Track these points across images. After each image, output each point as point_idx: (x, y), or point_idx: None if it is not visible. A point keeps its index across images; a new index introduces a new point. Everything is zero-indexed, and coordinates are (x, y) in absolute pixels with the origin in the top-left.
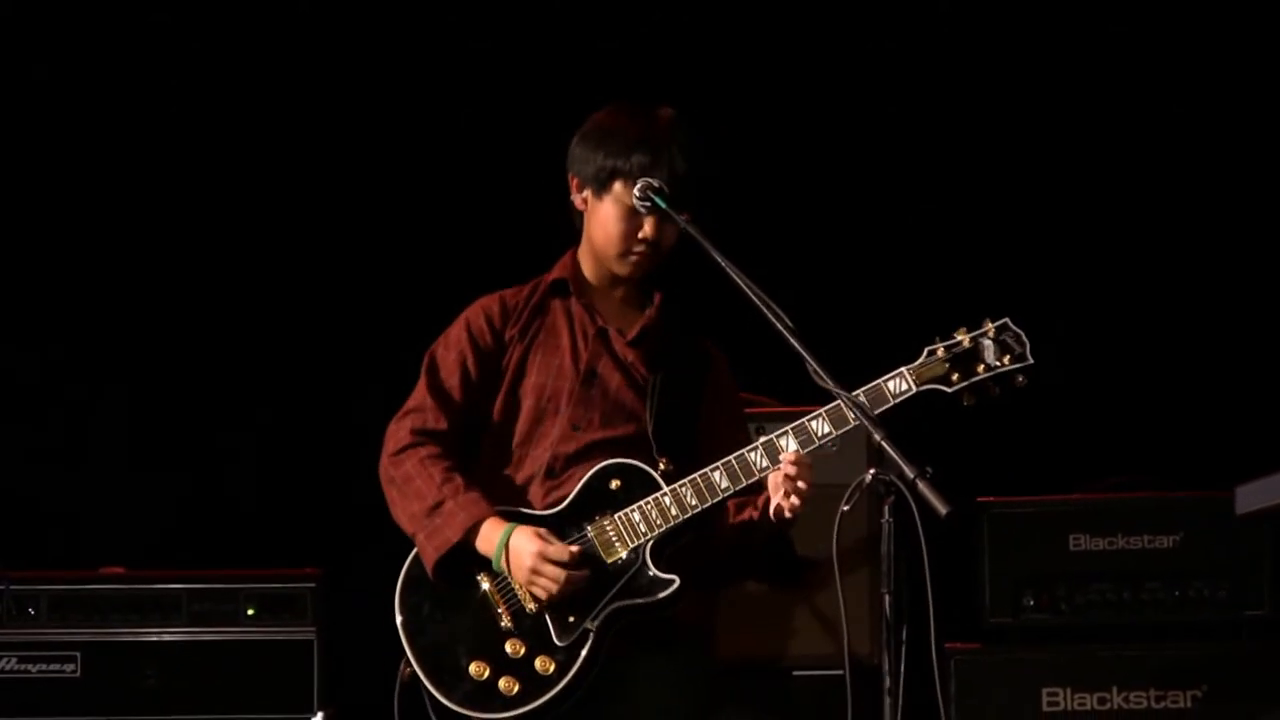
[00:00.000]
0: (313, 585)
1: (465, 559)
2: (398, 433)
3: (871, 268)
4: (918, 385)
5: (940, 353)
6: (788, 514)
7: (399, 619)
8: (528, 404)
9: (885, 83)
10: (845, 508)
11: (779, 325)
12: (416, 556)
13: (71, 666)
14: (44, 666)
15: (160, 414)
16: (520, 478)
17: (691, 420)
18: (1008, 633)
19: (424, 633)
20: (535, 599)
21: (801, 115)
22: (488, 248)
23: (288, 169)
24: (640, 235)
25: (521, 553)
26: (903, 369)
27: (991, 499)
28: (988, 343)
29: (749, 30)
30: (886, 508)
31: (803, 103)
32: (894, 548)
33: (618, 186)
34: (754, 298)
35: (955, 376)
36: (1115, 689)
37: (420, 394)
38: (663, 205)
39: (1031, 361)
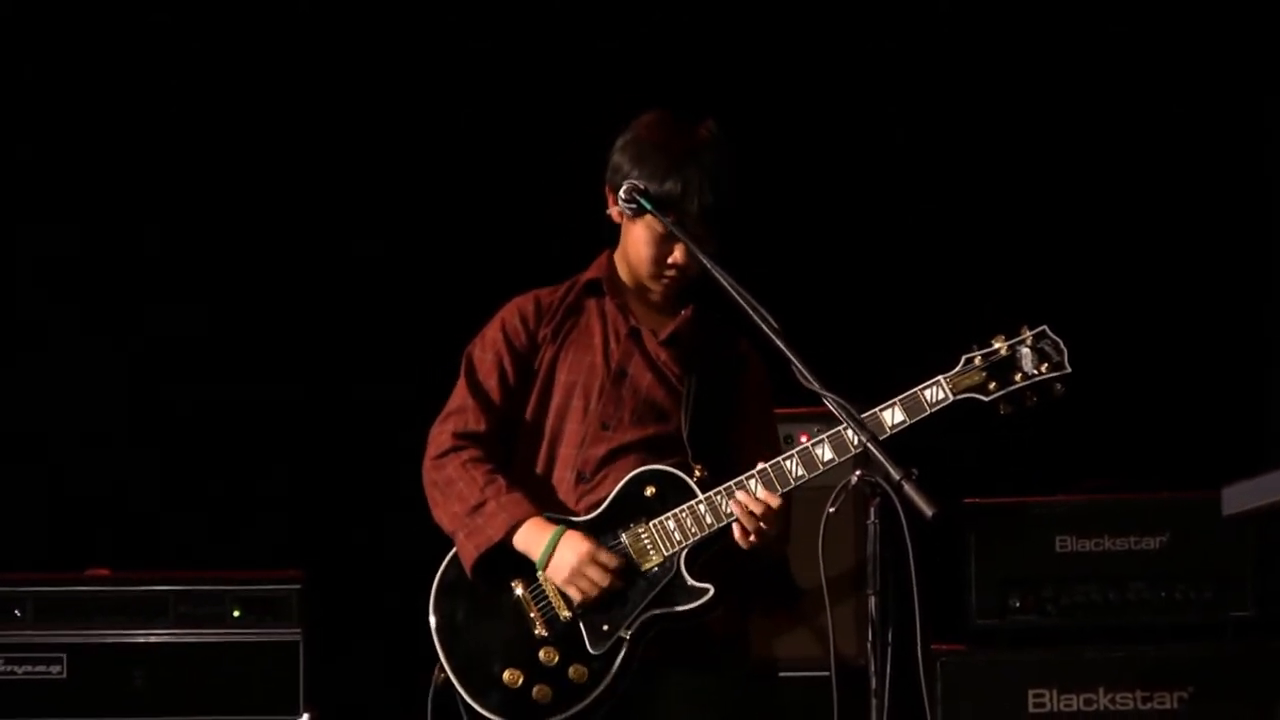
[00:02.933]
0: (298, 587)
1: (502, 562)
2: (439, 436)
3: (863, 270)
4: (954, 394)
5: (978, 361)
6: (743, 545)
7: (433, 623)
8: (558, 402)
9: (890, 84)
10: (831, 509)
11: (765, 328)
12: (452, 560)
13: (58, 668)
14: (30, 668)
15: (148, 414)
16: (553, 479)
17: (724, 423)
18: (994, 634)
19: (458, 638)
20: (569, 603)
21: (828, 125)
22: (498, 247)
23: (319, 163)
24: (670, 260)
25: (572, 550)
26: (940, 377)
27: (977, 500)
28: (1025, 350)
29: (767, 34)
30: (872, 509)
31: (826, 110)
32: (880, 549)
33: (649, 215)
34: (740, 300)
35: (992, 385)
36: (1102, 690)
37: (460, 395)
38: (649, 208)
39: (1069, 370)
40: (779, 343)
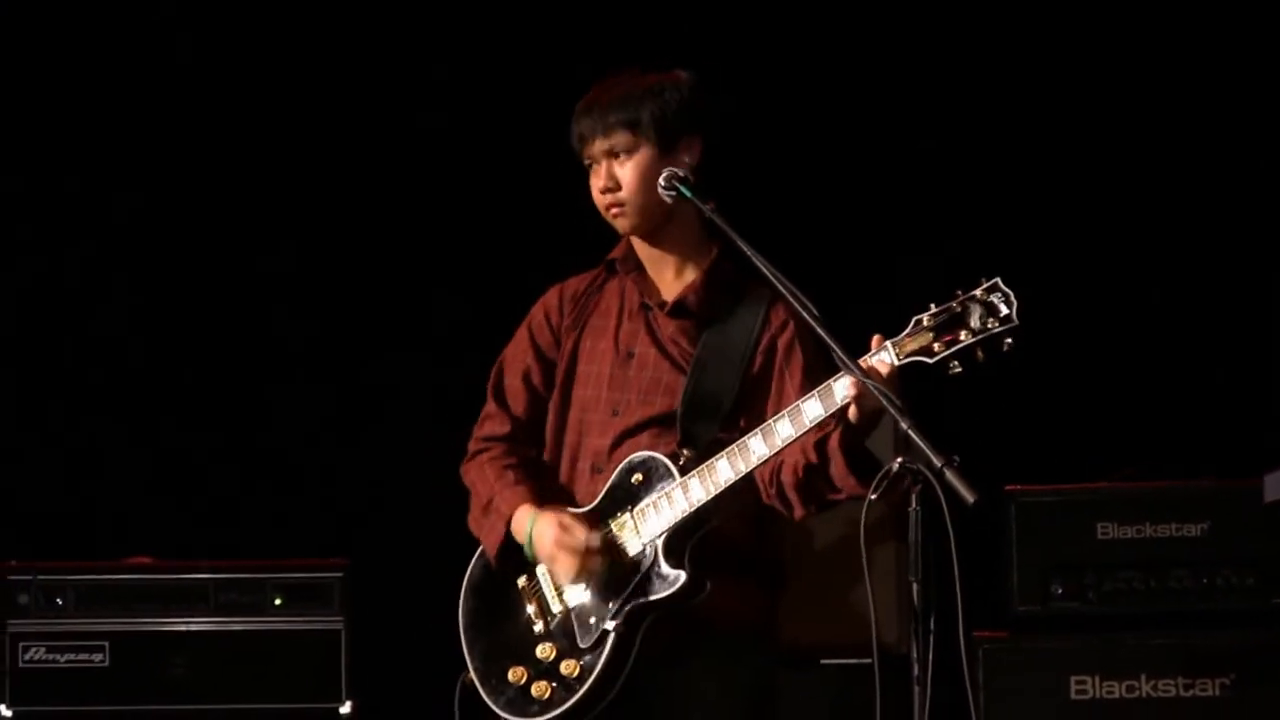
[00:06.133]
0: (340, 575)
1: (515, 557)
2: (471, 443)
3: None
4: (901, 358)
5: (925, 321)
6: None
7: (460, 624)
8: (579, 394)
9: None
10: (872, 496)
11: (805, 314)
12: (477, 559)
13: (100, 656)
14: (72, 656)
15: (192, 404)
16: (574, 471)
17: (730, 396)
18: (1036, 621)
19: (478, 638)
20: (559, 592)
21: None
22: (541, 234)
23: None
24: (599, 190)
25: (544, 536)
26: (887, 342)
27: (1019, 487)
28: (975, 306)
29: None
30: (914, 496)
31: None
32: (922, 536)
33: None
34: (780, 286)
35: (937, 346)
36: (1144, 677)
37: (488, 400)
38: (687, 194)
39: (1017, 323)
40: (818, 329)
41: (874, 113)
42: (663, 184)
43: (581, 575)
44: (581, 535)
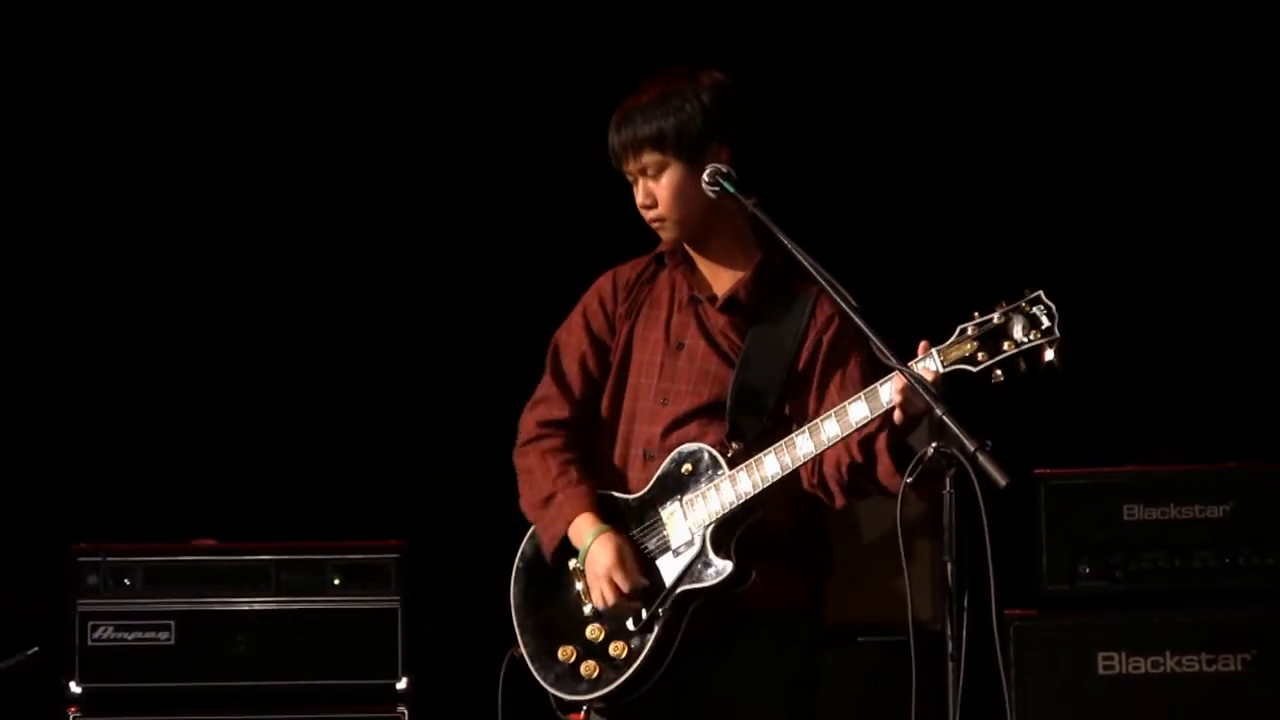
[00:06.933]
0: (397, 556)
1: (572, 549)
2: (526, 423)
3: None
4: (945, 366)
5: (970, 330)
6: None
7: (512, 601)
8: (632, 381)
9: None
10: (908, 480)
11: (845, 306)
12: (529, 539)
13: (166, 634)
14: (140, 635)
15: (254, 397)
16: (626, 457)
17: (777, 390)
18: (1065, 599)
19: (529, 616)
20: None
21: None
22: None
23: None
24: (640, 205)
25: (596, 561)
26: (933, 350)
27: (1048, 471)
28: (1018, 317)
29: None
30: (948, 479)
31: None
32: (955, 518)
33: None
34: (821, 280)
35: (981, 355)
36: (1168, 653)
37: (545, 383)
38: (730, 189)
39: (1059, 336)
40: (858, 320)
41: (891, 116)
42: (706, 180)
43: (609, 608)
44: (631, 580)
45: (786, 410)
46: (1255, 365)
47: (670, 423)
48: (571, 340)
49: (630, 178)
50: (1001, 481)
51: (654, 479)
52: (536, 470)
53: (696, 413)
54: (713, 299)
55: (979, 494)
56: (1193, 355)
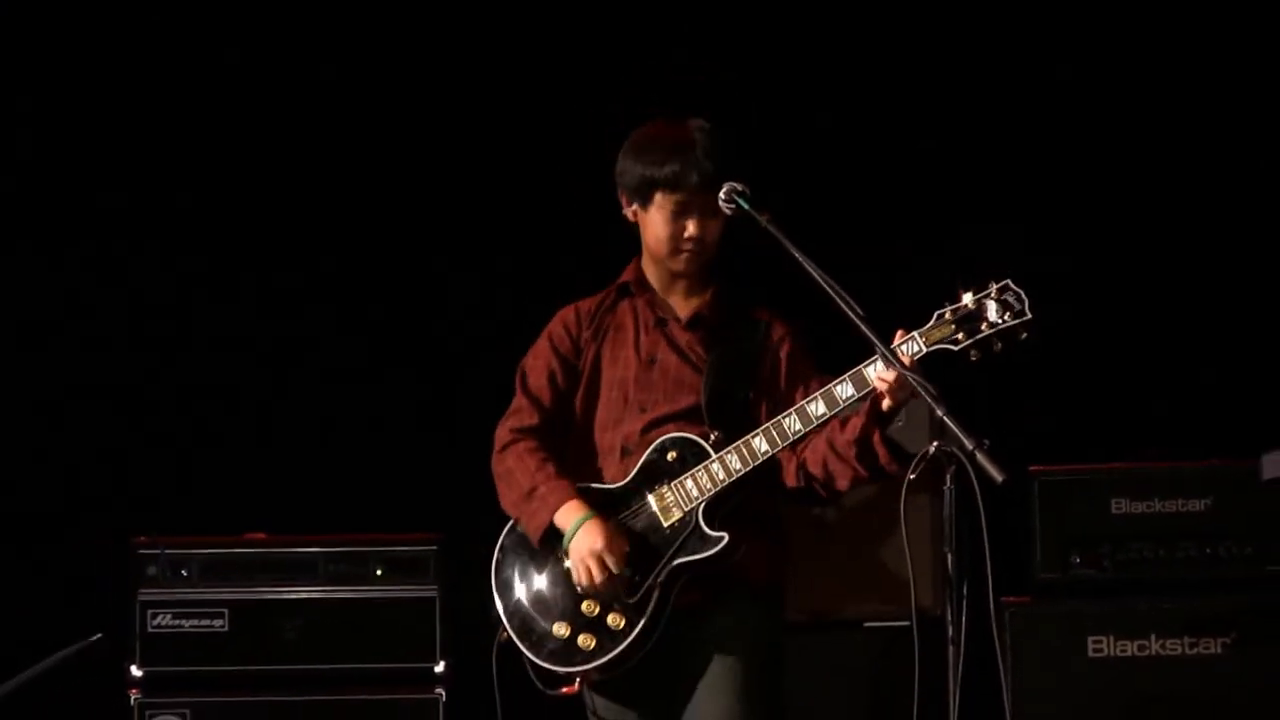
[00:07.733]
0: (435, 548)
1: (552, 532)
2: (501, 434)
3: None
4: (927, 346)
5: (948, 315)
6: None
7: (494, 590)
8: (604, 395)
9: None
10: (911, 476)
11: (852, 314)
12: (508, 533)
13: (220, 622)
14: (195, 622)
15: (301, 394)
16: (601, 460)
17: (745, 391)
18: (1057, 587)
19: (515, 601)
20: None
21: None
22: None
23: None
24: (686, 235)
25: (584, 543)
26: (914, 333)
27: (1042, 468)
28: (991, 302)
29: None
30: (948, 476)
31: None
32: (955, 512)
33: (658, 196)
34: (829, 289)
35: (961, 335)
36: (1153, 637)
37: (516, 398)
38: (746, 207)
39: (1031, 316)
40: (864, 328)
41: (872, 112)
42: (723, 198)
43: (590, 589)
44: (619, 560)
45: (756, 410)
46: (1235, 368)
47: (649, 423)
48: (539, 362)
49: (677, 207)
50: (998, 478)
51: (637, 468)
52: (515, 470)
53: (675, 415)
54: (678, 320)
55: (977, 489)
56: (1176, 359)
